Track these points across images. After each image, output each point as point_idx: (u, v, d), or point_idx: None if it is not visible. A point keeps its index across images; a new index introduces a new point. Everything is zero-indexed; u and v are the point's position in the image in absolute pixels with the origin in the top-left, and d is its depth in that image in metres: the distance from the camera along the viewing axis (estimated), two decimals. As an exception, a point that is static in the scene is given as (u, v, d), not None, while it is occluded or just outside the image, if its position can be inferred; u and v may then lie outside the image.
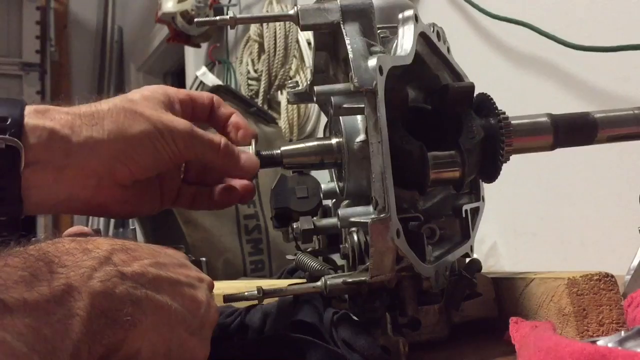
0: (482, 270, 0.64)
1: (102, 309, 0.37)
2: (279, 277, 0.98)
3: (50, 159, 0.53)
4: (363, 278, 0.51)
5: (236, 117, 0.66)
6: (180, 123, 0.59)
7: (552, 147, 0.63)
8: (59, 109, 0.56)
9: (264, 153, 0.61)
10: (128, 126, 0.56)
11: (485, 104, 0.59)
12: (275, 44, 2.03)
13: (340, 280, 0.52)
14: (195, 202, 0.66)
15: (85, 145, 0.54)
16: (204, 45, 2.77)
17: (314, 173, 0.65)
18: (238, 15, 0.56)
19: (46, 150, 0.53)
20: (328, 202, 0.71)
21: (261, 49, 2.12)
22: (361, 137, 0.56)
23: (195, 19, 0.58)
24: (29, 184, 0.53)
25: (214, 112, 0.66)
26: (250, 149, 0.62)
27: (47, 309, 0.34)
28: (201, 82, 2.45)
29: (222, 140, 0.61)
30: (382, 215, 0.48)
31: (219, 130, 0.66)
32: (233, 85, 2.35)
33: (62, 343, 0.34)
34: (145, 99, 0.59)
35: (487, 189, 0.65)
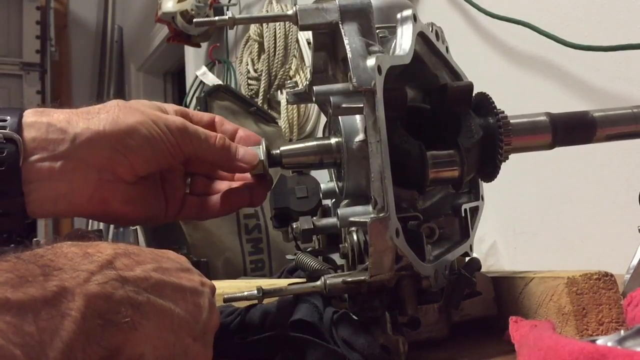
0: (482, 270, 0.64)
1: (98, 310, 0.37)
2: (279, 277, 0.98)
3: (49, 151, 0.54)
4: (362, 277, 0.51)
5: (243, 132, 0.67)
6: (174, 117, 0.60)
7: (551, 146, 0.63)
8: (55, 110, 0.57)
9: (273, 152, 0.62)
10: (123, 117, 0.57)
11: (484, 103, 0.59)
12: (275, 43, 2.03)
13: (339, 279, 0.53)
14: (201, 211, 0.66)
15: (82, 135, 0.55)
16: (204, 45, 2.77)
17: (313, 173, 0.65)
18: (237, 16, 0.56)
19: (44, 143, 0.54)
20: (327, 202, 0.71)
21: (261, 49, 2.12)
22: (360, 137, 0.56)
23: (194, 20, 0.58)
24: (29, 177, 0.54)
25: (217, 130, 0.66)
26: (261, 148, 0.62)
27: (33, 308, 0.33)
28: (201, 81, 2.45)
29: (218, 134, 0.62)
30: (381, 215, 0.48)
31: None
32: (233, 85, 2.35)
33: (51, 341, 0.33)
34: (139, 101, 0.61)
35: (486, 188, 0.65)
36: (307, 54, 2.01)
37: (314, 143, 0.60)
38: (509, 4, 1.22)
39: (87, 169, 0.56)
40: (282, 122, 1.97)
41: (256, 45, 2.14)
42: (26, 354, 0.32)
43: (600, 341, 0.34)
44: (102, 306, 0.37)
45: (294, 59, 2.04)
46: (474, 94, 0.59)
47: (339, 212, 0.55)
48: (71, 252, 0.40)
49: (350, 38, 0.53)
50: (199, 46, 2.77)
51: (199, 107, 1.57)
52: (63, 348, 0.34)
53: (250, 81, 2.15)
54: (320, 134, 0.82)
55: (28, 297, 0.34)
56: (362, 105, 0.49)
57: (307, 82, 0.66)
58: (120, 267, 0.41)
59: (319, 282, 0.53)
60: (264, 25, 2.08)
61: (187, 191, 0.67)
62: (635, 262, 0.57)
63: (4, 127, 0.54)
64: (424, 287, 0.55)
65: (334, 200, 0.70)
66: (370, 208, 0.51)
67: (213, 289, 0.51)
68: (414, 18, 0.55)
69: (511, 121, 0.59)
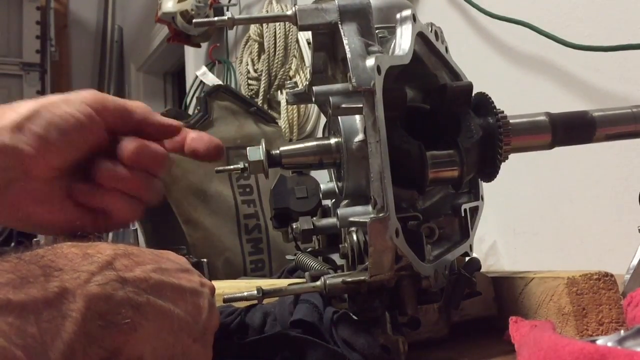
0: (482, 270, 0.65)
1: (98, 311, 0.37)
2: (279, 277, 0.98)
3: None
4: (362, 277, 0.51)
5: (196, 133, 0.60)
6: (86, 91, 0.54)
7: (550, 146, 0.63)
8: None
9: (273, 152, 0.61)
10: (25, 104, 0.51)
11: (484, 103, 0.59)
12: (275, 43, 2.03)
13: (339, 279, 0.53)
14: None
15: None
16: (204, 45, 2.77)
17: (313, 173, 0.65)
18: (236, 16, 0.56)
19: None
20: (327, 202, 0.71)
21: (261, 49, 2.12)
22: (360, 137, 0.56)
23: (194, 20, 0.58)
24: None
25: (146, 121, 0.57)
26: (261, 148, 0.61)
27: (35, 309, 0.33)
28: (201, 81, 2.45)
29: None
30: (380, 215, 0.48)
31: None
32: (233, 85, 2.35)
33: (52, 342, 0.33)
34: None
35: (486, 188, 0.65)
36: (307, 54, 2.01)
37: (314, 143, 0.60)
38: (509, 4, 1.22)
39: None
40: (282, 123, 1.97)
41: (256, 46, 2.14)
42: (28, 355, 0.32)
43: (600, 341, 0.34)
44: (102, 307, 0.37)
45: (294, 59, 2.04)
46: (473, 94, 0.59)
47: (338, 212, 0.55)
48: (71, 253, 0.40)
49: (349, 38, 0.53)
50: (199, 46, 2.77)
51: (199, 107, 1.57)
52: (64, 349, 0.34)
53: (250, 81, 2.15)
54: (320, 134, 0.82)
55: (30, 298, 0.34)
56: (361, 106, 0.49)
57: (307, 83, 0.66)
58: (120, 267, 0.41)
59: (318, 282, 0.53)
60: (264, 25, 2.08)
61: None
62: (635, 262, 0.57)
63: None
64: (423, 287, 0.55)
65: (333, 200, 0.70)
66: (370, 208, 0.51)
67: (213, 289, 0.51)
68: (414, 18, 0.55)
69: (511, 121, 0.59)
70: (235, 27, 0.60)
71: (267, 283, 0.75)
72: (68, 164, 0.53)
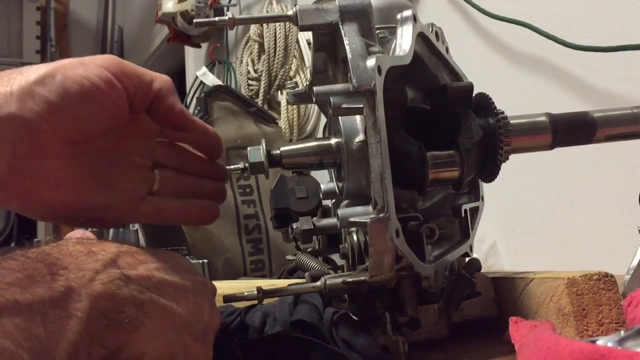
0: (482, 270, 0.64)
1: (102, 310, 0.37)
2: (279, 277, 0.99)
3: None
4: (362, 278, 0.51)
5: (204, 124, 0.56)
6: (104, 55, 0.48)
7: (551, 147, 0.63)
8: None
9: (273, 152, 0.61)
10: (36, 69, 0.44)
11: (484, 103, 0.59)
12: (275, 44, 2.03)
13: (339, 280, 0.53)
14: (166, 215, 0.54)
15: None
16: (204, 46, 2.77)
17: (313, 173, 0.65)
18: (237, 16, 0.56)
19: None
20: (328, 203, 0.71)
21: (261, 49, 2.12)
22: (360, 137, 0.56)
23: (194, 20, 0.58)
24: None
25: (160, 100, 0.50)
26: (261, 148, 0.61)
27: (41, 309, 0.34)
28: (201, 82, 2.45)
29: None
30: (381, 215, 0.48)
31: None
32: (233, 85, 2.35)
33: (57, 343, 0.33)
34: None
35: (486, 188, 0.65)
36: (307, 55, 2.01)
37: (314, 143, 0.60)
38: (509, 4, 1.22)
39: None
40: (282, 123, 1.97)
41: (256, 46, 2.14)
42: (34, 357, 0.32)
43: (601, 342, 0.34)
44: (106, 306, 0.37)
45: (294, 59, 2.04)
46: (474, 95, 0.59)
47: (339, 212, 0.55)
48: (76, 251, 0.40)
49: (350, 38, 0.53)
50: (199, 46, 2.77)
51: (199, 108, 1.57)
52: (69, 350, 0.34)
53: (250, 81, 2.15)
54: (320, 135, 0.82)
55: (36, 299, 0.34)
56: (362, 106, 0.49)
57: (307, 83, 0.66)
58: (124, 265, 0.41)
59: (319, 283, 0.53)
60: (264, 25, 2.08)
61: (155, 188, 0.54)
62: (635, 262, 0.57)
63: None
64: (424, 287, 0.55)
65: (334, 200, 0.70)
66: (370, 208, 0.51)
67: (213, 289, 0.51)
68: (414, 18, 0.55)
69: (511, 122, 0.59)
70: (235, 28, 0.60)
71: (267, 283, 0.75)
72: (85, 137, 0.46)
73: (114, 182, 0.50)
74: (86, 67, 0.45)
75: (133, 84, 0.48)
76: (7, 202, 0.46)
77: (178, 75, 3.94)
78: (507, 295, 0.62)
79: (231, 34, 2.60)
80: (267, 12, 2.09)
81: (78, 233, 0.59)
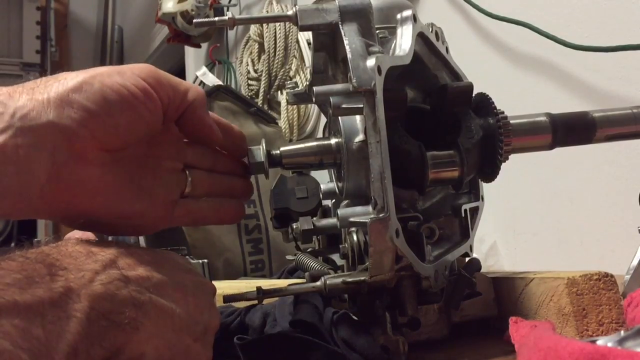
0: (482, 270, 0.64)
1: (102, 311, 0.37)
2: (279, 277, 0.99)
3: None
4: (362, 278, 0.51)
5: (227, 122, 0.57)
6: (140, 64, 0.49)
7: (551, 147, 0.63)
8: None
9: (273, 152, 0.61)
10: (74, 76, 0.45)
11: (484, 103, 0.59)
12: (275, 44, 2.03)
13: (339, 280, 0.53)
14: (198, 216, 0.55)
15: (23, 108, 0.42)
16: (204, 46, 2.77)
17: (313, 173, 0.65)
18: (237, 16, 0.56)
19: None
20: (328, 203, 0.71)
21: (261, 49, 2.12)
22: (360, 137, 0.56)
23: (194, 20, 0.58)
24: None
25: (192, 112, 0.52)
26: (261, 148, 0.61)
27: (40, 310, 0.34)
28: (201, 82, 2.45)
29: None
30: (381, 215, 0.48)
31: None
32: (233, 85, 2.35)
33: (56, 343, 0.33)
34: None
35: (486, 188, 0.65)
36: (307, 55, 2.01)
37: (314, 143, 0.60)
38: (509, 4, 1.22)
39: (34, 150, 0.42)
40: (282, 123, 1.97)
41: (256, 46, 2.14)
42: (33, 358, 0.32)
43: (601, 342, 0.34)
44: (106, 307, 0.37)
45: (294, 59, 2.04)
46: (474, 95, 0.59)
47: (339, 212, 0.55)
48: (75, 251, 0.40)
49: (350, 38, 0.53)
50: (199, 47, 2.77)
51: (199, 108, 1.57)
52: (68, 350, 0.34)
53: (250, 81, 2.15)
54: (320, 135, 0.82)
55: (36, 299, 0.34)
56: (362, 106, 0.49)
57: (307, 83, 0.66)
58: (123, 266, 0.41)
59: (319, 283, 0.53)
60: (264, 25, 2.08)
61: (188, 190, 0.54)
62: (635, 262, 0.57)
63: None
64: (424, 287, 0.55)
65: (334, 200, 0.70)
66: (370, 208, 0.51)
67: (213, 289, 0.51)
68: (414, 18, 0.55)
69: (511, 121, 0.59)
70: (235, 28, 0.60)
71: (267, 283, 0.75)
72: (121, 145, 0.46)
73: (149, 187, 0.50)
74: (123, 76, 0.46)
75: (167, 94, 0.49)
76: (49, 213, 0.46)
77: (178, 75, 3.94)
78: (507, 295, 0.62)
79: (231, 34, 2.60)
80: (267, 12, 2.09)
81: (78, 233, 0.59)
